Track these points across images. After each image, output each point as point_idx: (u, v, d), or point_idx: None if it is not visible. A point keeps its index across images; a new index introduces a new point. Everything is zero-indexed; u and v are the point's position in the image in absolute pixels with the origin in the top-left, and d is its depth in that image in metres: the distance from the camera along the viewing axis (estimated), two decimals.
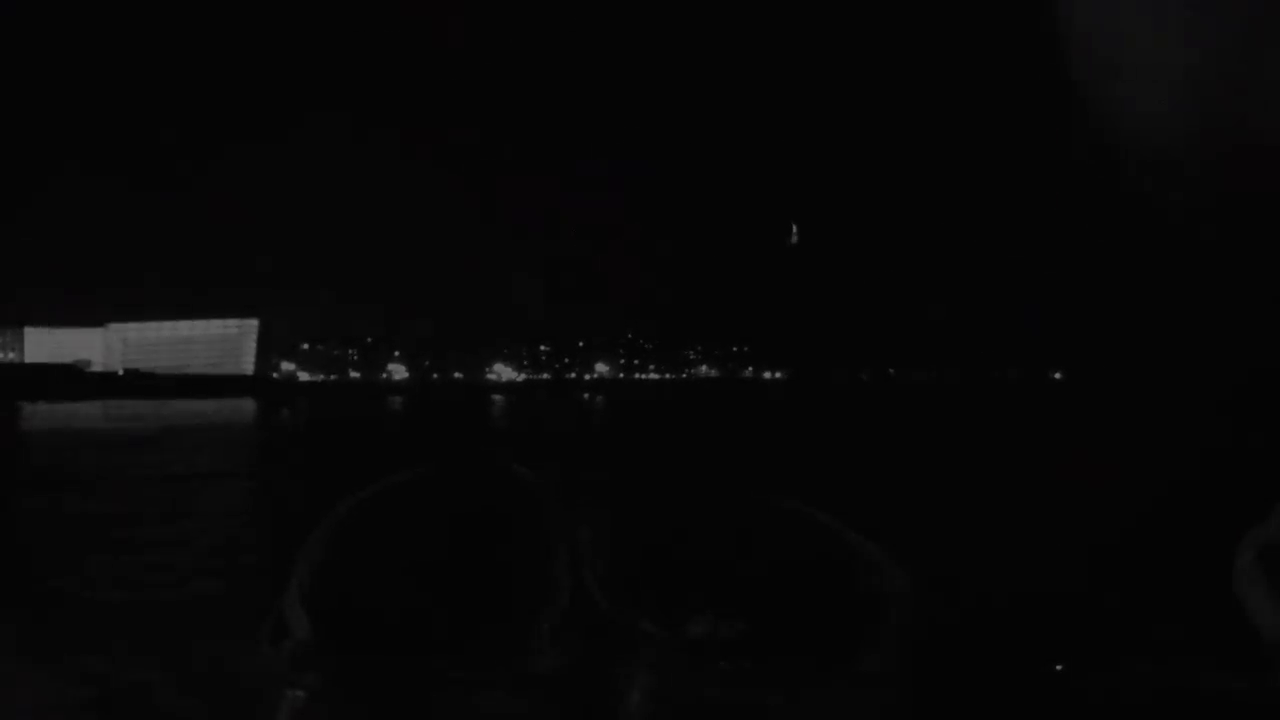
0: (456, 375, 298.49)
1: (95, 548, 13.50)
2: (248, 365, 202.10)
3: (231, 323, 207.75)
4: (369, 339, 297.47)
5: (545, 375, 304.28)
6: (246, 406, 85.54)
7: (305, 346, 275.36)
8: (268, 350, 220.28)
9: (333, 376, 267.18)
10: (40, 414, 65.12)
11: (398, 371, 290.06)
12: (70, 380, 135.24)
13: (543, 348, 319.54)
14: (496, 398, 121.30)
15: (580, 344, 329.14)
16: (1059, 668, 0.56)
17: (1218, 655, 0.61)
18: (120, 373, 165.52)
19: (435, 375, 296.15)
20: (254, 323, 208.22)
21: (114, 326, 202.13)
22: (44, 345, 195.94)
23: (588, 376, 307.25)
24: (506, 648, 0.52)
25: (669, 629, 0.53)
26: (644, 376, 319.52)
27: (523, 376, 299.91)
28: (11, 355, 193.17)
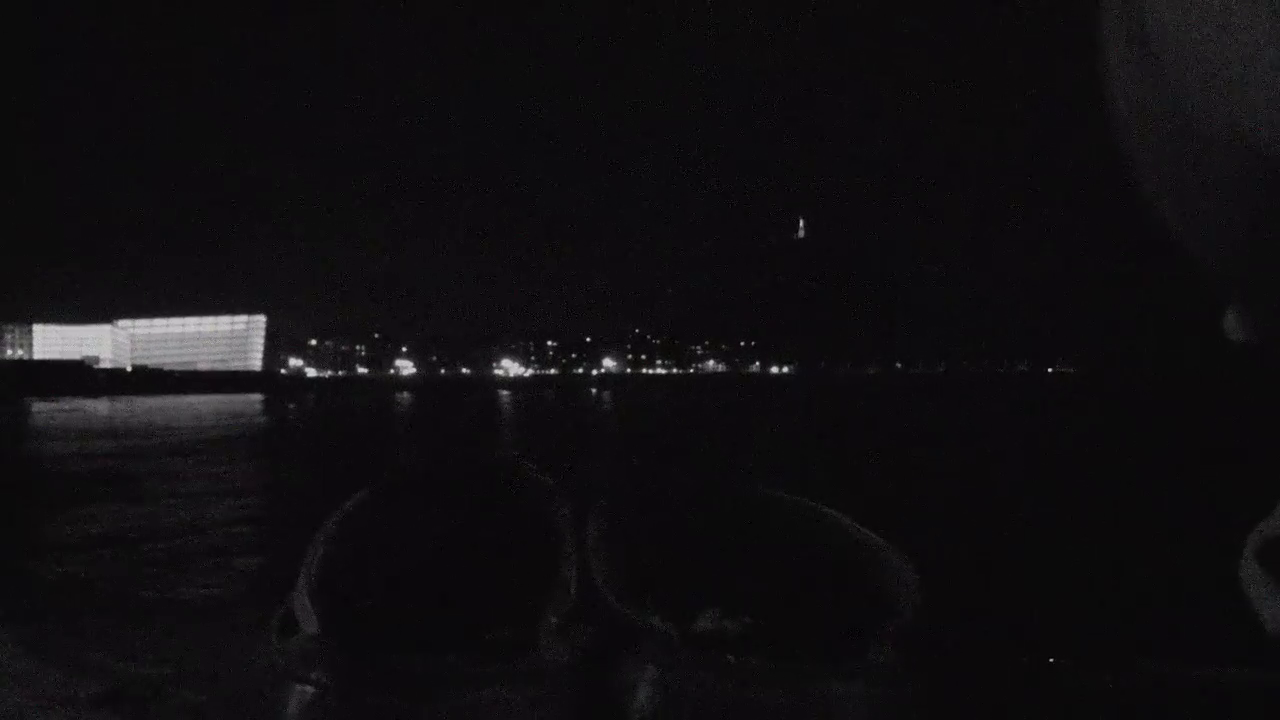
0: (464, 370, 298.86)
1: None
2: (255, 361, 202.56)
3: (239, 319, 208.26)
4: (376, 334, 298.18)
5: (553, 370, 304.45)
6: (254, 402, 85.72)
7: (313, 342, 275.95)
8: (275, 346, 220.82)
9: (340, 372, 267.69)
10: (48, 411, 65.38)
11: (405, 367, 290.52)
12: (79, 377, 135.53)
13: (550, 343, 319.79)
14: (504, 393, 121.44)
15: (587, 339, 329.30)
16: (1051, 660, 0.57)
17: (1222, 649, 0.61)
18: (128, 369, 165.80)
19: (443, 370, 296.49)
20: (261, 319, 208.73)
21: (122, 323, 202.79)
22: (53, 342, 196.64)
23: (595, 372, 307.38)
24: (514, 643, 0.52)
25: (676, 624, 0.52)
26: (651, 371, 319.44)
27: (530, 372, 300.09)
28: (20, 352, 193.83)
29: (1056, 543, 12.63)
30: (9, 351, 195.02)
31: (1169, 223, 0.39)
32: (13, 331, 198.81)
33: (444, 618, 0.54)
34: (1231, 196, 0.35)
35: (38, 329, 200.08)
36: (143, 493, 19.43)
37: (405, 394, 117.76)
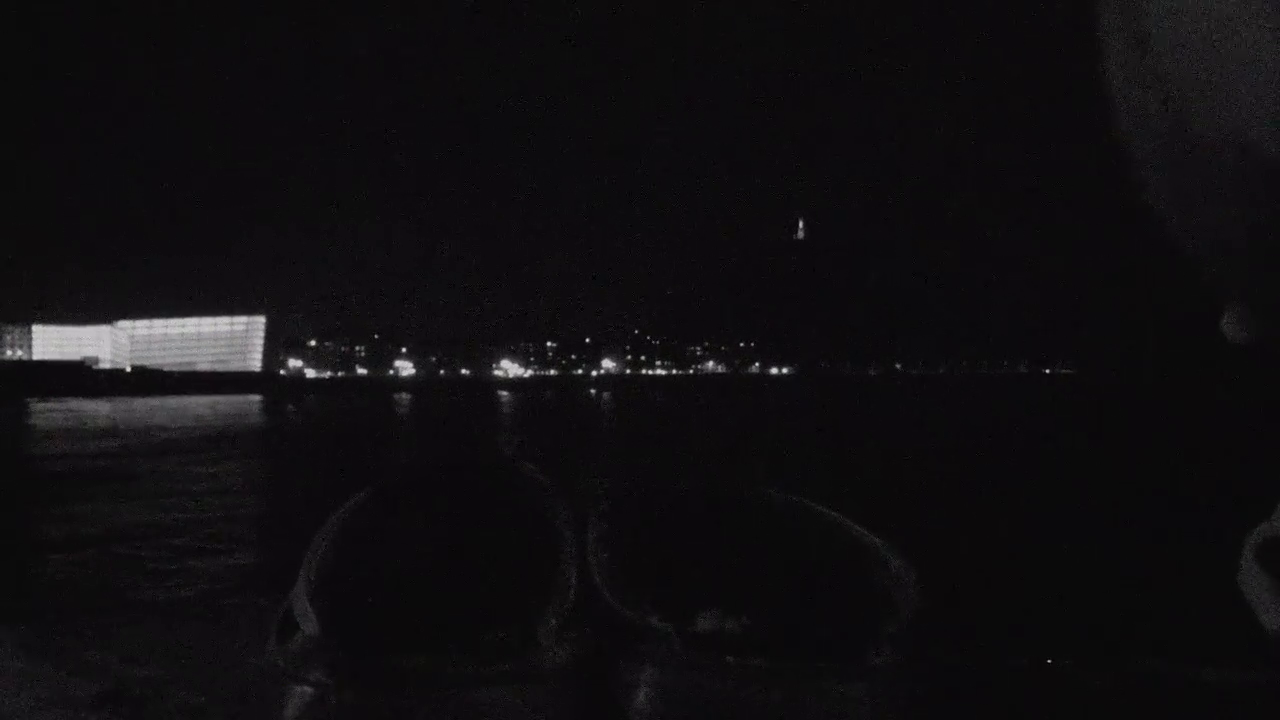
0: (464, 371, 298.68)
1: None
2: (255, 362, 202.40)
3: (239, 319, 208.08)
4: (376, 335, 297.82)
5: (552, 371, 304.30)
6: (253, 403, 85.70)
7: (312, 343, 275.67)
8: (275, 347, 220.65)
9: (340, 373, 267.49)
10: (46, 412, 65.32)
11: (405, 368, 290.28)
12: (78, 378, 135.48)
13: (550, 344, 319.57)
14: (503, 394, 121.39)
15: (587, 340, 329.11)
16: (1051, 660, 0.56)
17: (1222, 649, 0.60)
18: (128, 370, 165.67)
19: (442, 371, 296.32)
20: (261, 319, 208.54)
21: (122, 324, 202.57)
22: (52, 342, 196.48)
23: (594, 373, 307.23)
24: (514, 644, 0.51)
25: (676, 624, 0.52)
26: (650, 372, 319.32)
27: (530, 372, 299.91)
28: (20, 353, 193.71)
29: (1056, 542, 12.63)
30: (8, 352, 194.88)
31: (1169, 224, 0.38)
32: (12, 332, 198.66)
33: (444, 618, 0.53)
34: (1231, 199, 0.35)
35: (37, 329, 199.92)
36: (140, 493, 19.42)
37: (405, 395, 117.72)
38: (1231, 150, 0.33)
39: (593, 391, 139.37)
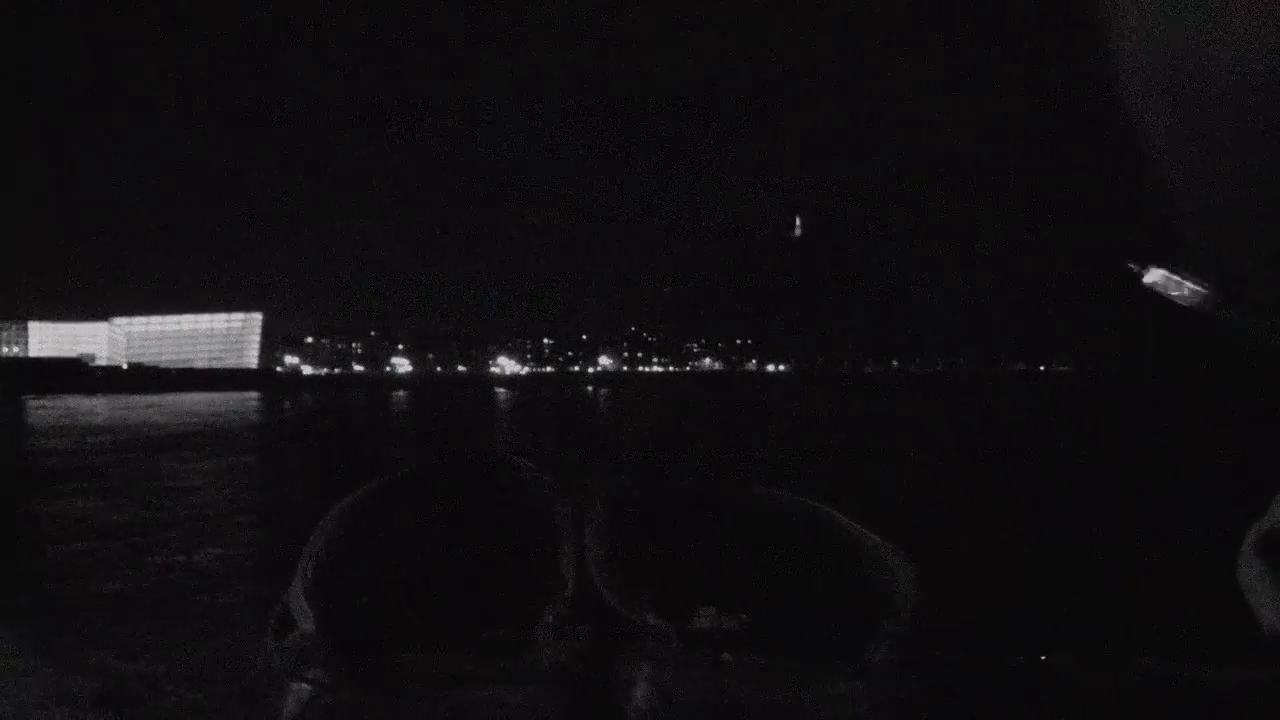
0: (461, 368, 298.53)
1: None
2: (251, 359, 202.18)
3: (235, 316, 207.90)
4: (373, 332, 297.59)
5: (549, 368, 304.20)
6: (250, 400, 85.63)
7: (309, 340, 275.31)
8: (271, 344, 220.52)
9: (337, 370, 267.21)
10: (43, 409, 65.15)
11: (402, 365, 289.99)
12: (75, 374, 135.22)
13: (546, 341, 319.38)
14: (500, 391, 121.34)
15: (584, 337, 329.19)
16: (1050, 659, 0.55)
17: (1222, 649, 0.60)
18: (124, 367, 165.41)
19: (439, 368, 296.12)
20: (258, 316, 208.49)
21: (118, 321, 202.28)
22: (48, 339, 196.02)
23: (591, 369, 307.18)
24: (511, 642, 0.50)
25: (673, 623, 0.51)
26: (648, 370, 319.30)
27: (527, 369, 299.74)
28: (16, 349, 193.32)
29: (1055, 542, 12.62)
30: (4, 349, 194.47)
31: (1173, 186, 0.38)
32: (8, 329, 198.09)
33: (442, 616, 0.51)
34: (1237, 150, 0.34)
35: (33, 326, 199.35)
36: (136, 490, 19.38)
37: (402, 391, 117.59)
38: (1243, 100, 0.33)
39: (590, 388, 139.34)
